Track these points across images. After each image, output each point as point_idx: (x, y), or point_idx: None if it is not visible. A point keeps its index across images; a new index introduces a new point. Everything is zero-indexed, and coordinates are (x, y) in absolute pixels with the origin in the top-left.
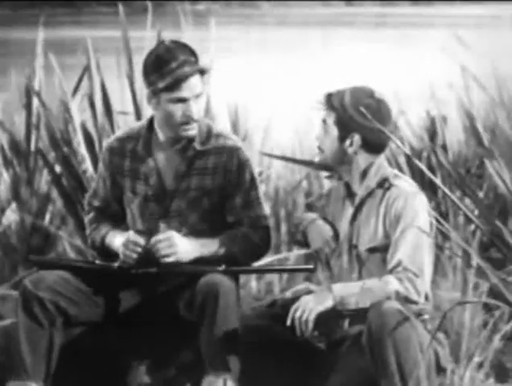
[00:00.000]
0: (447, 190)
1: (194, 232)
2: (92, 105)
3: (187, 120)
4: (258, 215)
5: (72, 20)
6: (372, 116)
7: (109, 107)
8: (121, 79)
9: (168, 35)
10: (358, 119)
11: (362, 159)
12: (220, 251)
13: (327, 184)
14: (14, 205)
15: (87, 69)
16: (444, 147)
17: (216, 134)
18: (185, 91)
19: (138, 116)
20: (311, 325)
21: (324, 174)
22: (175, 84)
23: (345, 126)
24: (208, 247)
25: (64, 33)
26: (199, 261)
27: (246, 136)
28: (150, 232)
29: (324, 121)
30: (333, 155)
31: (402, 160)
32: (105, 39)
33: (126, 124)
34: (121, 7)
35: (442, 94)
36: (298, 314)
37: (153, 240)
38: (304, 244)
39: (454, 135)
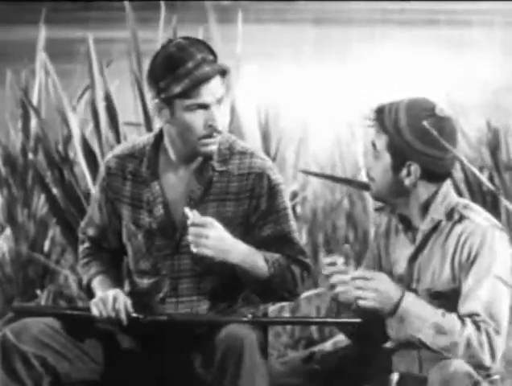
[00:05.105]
0: None
1: (211, 272)
2: (95, 116)
3: (210, 131)
4: (295, 252)
5: (78, 17)
6: (434, 140)
7: (115, 117)
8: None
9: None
10: (417, 146)
11: (423, 189)
12: (260, 271)
13: (372, 203)
14: (7, 231)
15: (89, 73)
16: (510, 164)
17: (240, 151)
18: (206, 95)
19: (149, 127)
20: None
21: (374, 204)
22: (194, 88)
23: (401, 154)
24: (251, 257)
25: (68, 32)
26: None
27: (278, 148)
28: (155, 272)
29: (374, 145)
30: (387, 186)
31: (458, 176)
32: (116, 40)
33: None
34: (127, 2)
35: (504, 101)
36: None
37: (189, 223)
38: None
39: None
